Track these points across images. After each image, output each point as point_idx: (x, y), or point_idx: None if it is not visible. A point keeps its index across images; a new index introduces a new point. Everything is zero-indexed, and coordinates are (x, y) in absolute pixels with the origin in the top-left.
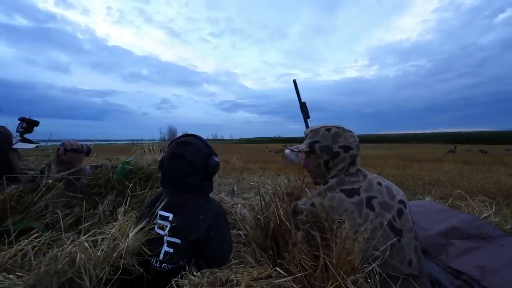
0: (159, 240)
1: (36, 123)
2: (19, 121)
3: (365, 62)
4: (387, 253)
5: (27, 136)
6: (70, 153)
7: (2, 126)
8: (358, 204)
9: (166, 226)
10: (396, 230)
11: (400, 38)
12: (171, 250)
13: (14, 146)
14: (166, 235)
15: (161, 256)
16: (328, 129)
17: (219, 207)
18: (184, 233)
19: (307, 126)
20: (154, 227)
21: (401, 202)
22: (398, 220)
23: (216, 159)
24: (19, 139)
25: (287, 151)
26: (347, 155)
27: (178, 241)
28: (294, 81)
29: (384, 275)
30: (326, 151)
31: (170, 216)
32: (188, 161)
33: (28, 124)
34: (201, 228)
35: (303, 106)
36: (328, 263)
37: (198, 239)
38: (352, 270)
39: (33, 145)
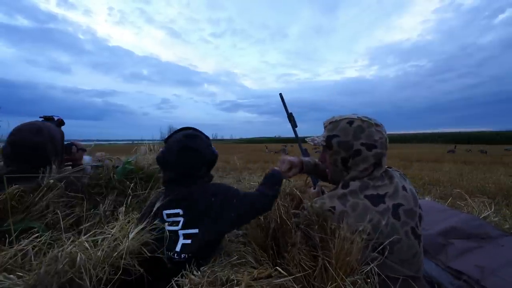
0: (172, 237)
1: (63, 123)
2: (42, 119)
3: (365, 62)
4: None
5: None
6: (80, 152)
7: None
8: (384, 213)
9: (179, 222)
10: (417, 236)
11: (400, 38)
12: (189, 241)
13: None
14: (180, 229)
15: (178, 248)
16: (350, 121)
17: (224, 184)
18: (201, 221)
19: (296, 135)
20: (158, 227)
21: (420, 207)
22: (419, 225)
23: (216, 150)
24: None
25: None
26: (370, 154)
27: (196, 231)
28: (281, 94)
29: (383, 276)
30: (345, 147)
31: (180, 211)
32: (200, 153)
33: (60, 124)
34: (219, 208)
35: (290, 117)
36: (327, 264)
37: (226, 218)
38: (351, 270)
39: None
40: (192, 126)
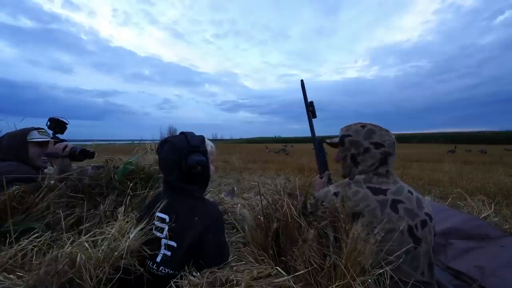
0: (158, 242)
1: (62, 123)
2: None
3: (366, 62)
4: (402, 258)
5: (59, 136)
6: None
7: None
8: (382, 202)
9: (164, 228)
10: (415, 237)
11: (400, 39)
12: (169, 254)
13: (29, 139)
14: (164, 238)
15: (158, 259)
16: (363, 125)
17: (216, 209)
18: (180, 236)
19: (311, 127)
20: (152, 228)
21: (427, 214)
22: (420, 229)
23: (197, 157)
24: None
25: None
26: (377, 152)
27: (174, 244)
28: (302, 81)
29: (396, 278)
30: (355, 145)
31: (167, 218)
32: (163, 160)
33: (53, 123)
34: (196, 232)
35: (309, 105)
36: (339, 262)
37: (193, 243)
38: (361, 271)
39: (47, 138)
40: (188, 131)
